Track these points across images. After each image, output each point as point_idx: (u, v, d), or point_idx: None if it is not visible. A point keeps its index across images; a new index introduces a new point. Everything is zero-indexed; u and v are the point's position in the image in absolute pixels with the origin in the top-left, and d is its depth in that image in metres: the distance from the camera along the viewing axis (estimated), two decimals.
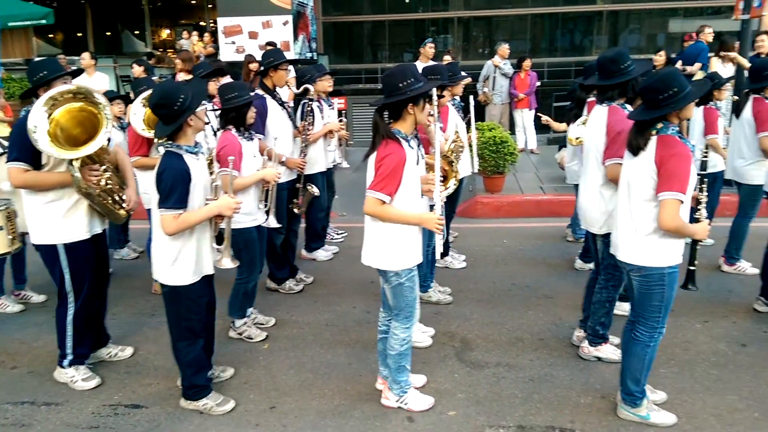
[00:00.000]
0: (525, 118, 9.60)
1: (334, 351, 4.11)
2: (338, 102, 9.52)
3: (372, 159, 3.07)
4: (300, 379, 3.76)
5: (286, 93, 7.83)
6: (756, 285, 4.68)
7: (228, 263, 3.36)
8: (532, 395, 3.52)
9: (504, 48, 9.42)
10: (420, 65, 6.28)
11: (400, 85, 2.96)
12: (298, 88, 5.28)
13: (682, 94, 2.85)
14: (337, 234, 6.36)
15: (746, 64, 6.69)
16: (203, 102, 3.19)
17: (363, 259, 3.23)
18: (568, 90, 5.66)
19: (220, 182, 3.39)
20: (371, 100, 3.21)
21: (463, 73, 4.98)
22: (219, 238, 3.35)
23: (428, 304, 4.69)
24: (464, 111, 5.19)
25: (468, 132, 5.08)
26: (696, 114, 5.39)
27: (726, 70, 7.37)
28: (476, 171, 5.71)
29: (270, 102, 4.68)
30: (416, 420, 3.32)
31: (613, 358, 3.77)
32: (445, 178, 4.08)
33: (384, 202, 3.01)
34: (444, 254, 5.28)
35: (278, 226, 4.33)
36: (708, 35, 8.87)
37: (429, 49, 7.80)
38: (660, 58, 7.94)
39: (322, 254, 5.92)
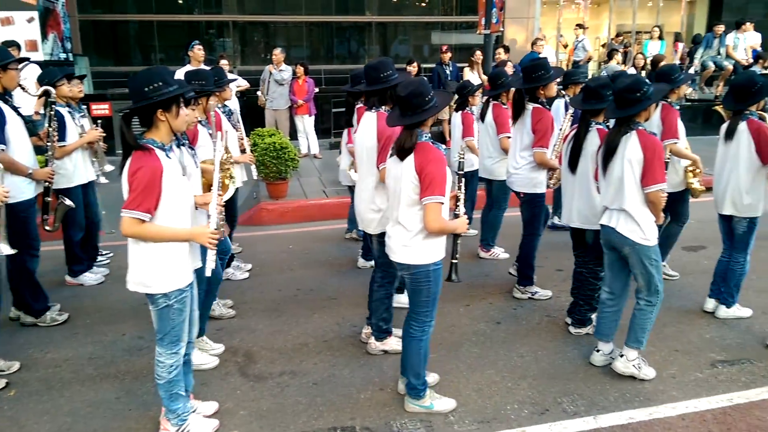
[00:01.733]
0: (306, 123, 9.74)
1: (98, 387, 3.67)
2: (102, 107, 8.67)
3: (125, 174, 2.79)
4: (55, 426, 3.28)
5: (31, 101, 6.86)
6: (506, 267, 5.35)
7: None
8: (315, 399, 3.54)
9: (274, 54, 9.45)
10: (185, 69, 5.94)
11: (146, 89, 2.72)
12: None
13: (434, 101, 3.09)
14: (102, 254, 5.73)
15: (483, 76, 7.63)
16: None
17: (128, 285, 2.92)
18: (344, 97, 5.87)
19: None
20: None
21: (232, 76, 4.84)
22: None
23: (210, 319, 4.45)
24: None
25: (240, 139, 4.95)
26: (455, 118, 5.97)
27: (476, 77, 8.31)
28: (255, 178, 5.61)
29: (4, 107, 4.03)
30: None
31: (397, 349, 3.91)
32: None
33: (144, 221, 2.75)
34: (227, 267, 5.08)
35: (11, 252, 3.69)
36: (540, 47, 9.97)
37: (198, 51, 7.44)
38: (413, 69, 8.53)
39: (91, 278, 5.30)
